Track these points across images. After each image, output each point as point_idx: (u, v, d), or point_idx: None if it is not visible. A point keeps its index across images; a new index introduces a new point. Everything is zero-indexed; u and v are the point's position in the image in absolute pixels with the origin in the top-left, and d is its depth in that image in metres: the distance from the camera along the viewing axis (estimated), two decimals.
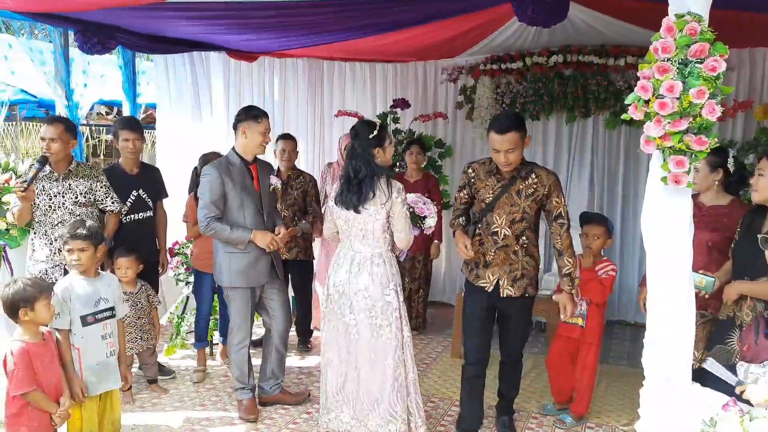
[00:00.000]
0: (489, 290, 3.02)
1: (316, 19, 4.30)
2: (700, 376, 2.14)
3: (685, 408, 1.92)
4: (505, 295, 3.00)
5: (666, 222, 1.92)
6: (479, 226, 3.06)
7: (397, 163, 5.33)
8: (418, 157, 5.01)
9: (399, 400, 2.98)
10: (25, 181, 3.19)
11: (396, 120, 5.66)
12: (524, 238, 2.98)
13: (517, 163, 2.90)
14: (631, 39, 4.89)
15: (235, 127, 3.36)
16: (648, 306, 2.00)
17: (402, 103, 5.59)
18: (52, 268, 3.40)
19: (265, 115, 3.37)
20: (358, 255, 3.00)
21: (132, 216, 3.84)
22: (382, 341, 2.96)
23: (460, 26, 4.60)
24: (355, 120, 5.61)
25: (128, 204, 3.80)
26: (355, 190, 2.93)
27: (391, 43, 5.17)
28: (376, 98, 6.15)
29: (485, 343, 3.12)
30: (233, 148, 3.40)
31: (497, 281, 3.01)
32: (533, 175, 2.94)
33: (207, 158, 3.95)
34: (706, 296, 2.66)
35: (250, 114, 3.34)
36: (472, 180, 3.07)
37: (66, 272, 3.28)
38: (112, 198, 3.61)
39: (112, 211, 3.63)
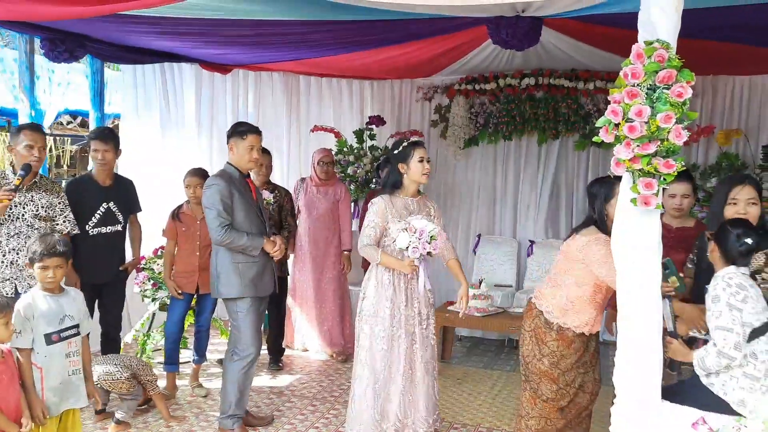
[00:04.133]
0: None
1: (293, 36, 4.31)
2: (672, 393, 2.17)
3: (656, 427, 1.94)
4: None
5: (635, 242, 1.96)
6: None
7: (374, 180, 5.33)
8: None
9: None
10: (12, 190, 3.08)
11: (372, 137, 5.68)
12: None
13: None
14: (600, 64, 5.04)
15: (227, 142, 3.37)
16: (619, 325, 2.03)
17: (377, 120, 5.62)
18: (1, 282, 3.23)
19: (253, 131, 3.33)
20: None
21: (99, 229, 3.73)
22: None
23: (436, 47, 4.66)
24: (331, 136, 5.63)
25: (97, 216, 3.70)
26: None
27: (368, 63, 5.21)
28: (353, 114, 6.16)
29: None
30: (228, 162, 3.38)
31: None
32: None
33: (194, 174, 3.91)
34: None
35: (237, 130, 3.33)
36: None
37: (16, 288, 3.19)
38: (65, 217, 3.46)
39: (62, 231, 3.43)
